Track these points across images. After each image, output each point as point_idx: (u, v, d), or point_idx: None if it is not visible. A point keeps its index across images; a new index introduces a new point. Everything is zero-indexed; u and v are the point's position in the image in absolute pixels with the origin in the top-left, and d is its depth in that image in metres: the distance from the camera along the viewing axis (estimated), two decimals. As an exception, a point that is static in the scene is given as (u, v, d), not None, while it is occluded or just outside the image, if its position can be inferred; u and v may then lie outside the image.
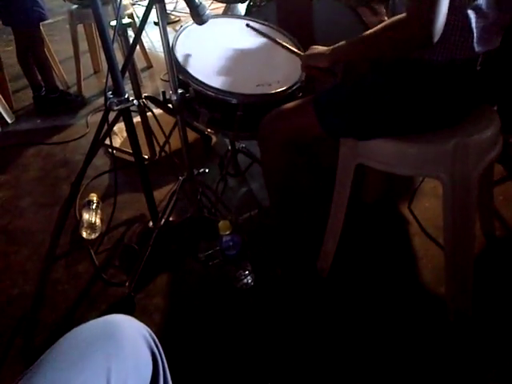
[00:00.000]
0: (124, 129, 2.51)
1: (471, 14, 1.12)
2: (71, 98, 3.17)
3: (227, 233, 1.53)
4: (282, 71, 1.66)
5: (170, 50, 1.37)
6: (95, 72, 3.72)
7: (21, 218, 2.11)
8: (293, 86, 1.59)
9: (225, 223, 1.53)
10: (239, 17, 1.98)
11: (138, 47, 2.12)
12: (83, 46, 3.43)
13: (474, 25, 1.13)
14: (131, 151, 2.01)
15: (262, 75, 1.63)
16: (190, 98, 1.52)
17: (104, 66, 3.75)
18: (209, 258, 1.65)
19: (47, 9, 2.88)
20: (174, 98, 1.44)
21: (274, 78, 1.62)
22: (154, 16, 1.45)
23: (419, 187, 2.02)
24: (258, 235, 1.72)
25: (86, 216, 1.96)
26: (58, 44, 4.01)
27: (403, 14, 1.08)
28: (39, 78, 3.05)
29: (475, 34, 1.14)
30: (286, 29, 1.85)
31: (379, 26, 1.15)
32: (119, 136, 2.60)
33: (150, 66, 3.68)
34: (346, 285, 1.60)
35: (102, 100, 3.21)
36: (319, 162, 1.80)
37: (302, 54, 1.50)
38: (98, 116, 2.95)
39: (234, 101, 1.53)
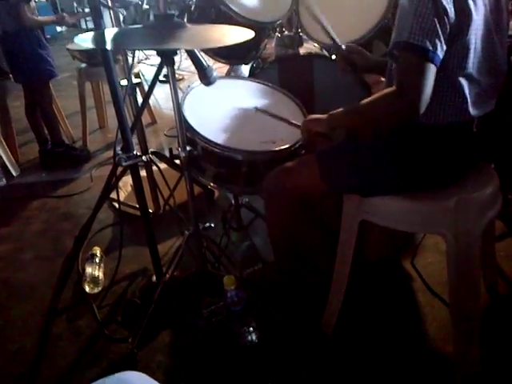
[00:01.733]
0: (128, 183, 2.58)
1: (463, 81, 1.19)
2: (76, 153, 3.24)
3: (232, 288, 1.53)
4: (284, 129, 1.71)
5: (179, 110, 1.42)
6: (100, 127, 3.82)
7: (23, 271, 2.11)
8: (295, 143, 1.64)
9: (230, 278, 1.53)
10: (243, 78, 2.07)
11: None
12: (89, 102, 3.55)
13: (467, 91, 1.20)
14: (136, 205, 2.04)
15: (266, 133, 1.69)
16: (198, 154, 1.56)
17: (109, 121, 3.86)
18: (212, 315, 1.64)
19: (56, 66, 3.01)
20: (183, 154, 1.49)
21: (277, 135, 1.67)
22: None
23: (421, 243, 2.04)
24: (263, 291, 1.71)
25: (89, 270, 1.95)
26: (64, 99, 4.14)
27: (393, 88, 1.15)
28: (46, 132, 3.14)
29: (469, 100, 1.21)
30: (288, 89, 1.93)
31: (370, 98, 1.23)
32: (123, 190, 2.64)
33: (154, 122, 3.79)
34: (351, 342, 1.58)
35: (106, 154, 3.28)
36: (324, 218, 1.82)
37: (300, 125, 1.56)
38: (103, 170, 3.01)
39: (239, 157, 1.58)
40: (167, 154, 2.12)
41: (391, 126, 1.27)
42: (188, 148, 1.51)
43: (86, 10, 10.45)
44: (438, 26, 1.09)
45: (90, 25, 10.70)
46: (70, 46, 3.16)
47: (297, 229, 1.53)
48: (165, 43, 1.13)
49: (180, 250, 1.77)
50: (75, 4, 10.48)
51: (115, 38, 1.19)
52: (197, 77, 1.44)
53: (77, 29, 10.63)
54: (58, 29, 9.93)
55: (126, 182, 2.54)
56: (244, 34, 1.20)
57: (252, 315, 1.57)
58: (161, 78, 1.48)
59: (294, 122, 1.61)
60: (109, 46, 1.12)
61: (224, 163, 1.60)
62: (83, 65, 3.29)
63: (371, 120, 1.27)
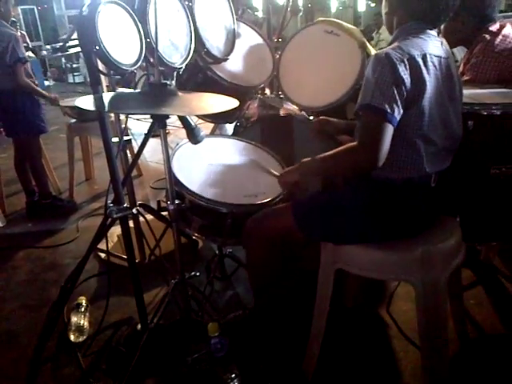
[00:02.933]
0: (114, 233, 2.65)
1: (420, 141, 1.36)
2: (63, 204, 3.32)
3: (216, 334, 1.59)
4: (266, 184, 1.84)
5: (169, 166, 1.54)
6: (87, 179, 3.92)
7: (7, 320, 2.13)
8: (277, 197, 1.77)
9: (214, 325, 1.60)
10: (228, 136, 2.22)
11: (129, 157, 2.33)
12: (77, 154, 3.66)
13: (422, 151, 1.37)
14: (122, 255, 2.12)
15: (249, 187, 1.82)
16: (185, 207, 1.67)
17: (96, 173, 3.97)
18: (196, 362, 1.68)
19: (47, 122, 3.14)
20: (171, 207, 1.59)
21: (259, 189, 1.80)
22: (144, 129, 1.63)
23: (396, 291, 2.14)
24: (244, 337, 1.78)
25: (74, 319, 1.99)
26: (52, 152, 4.23)
27: (355, 143, 1.33)
28: (33, 183, 3.22)
29: (425, 158, 1.37)
30: (270, 147, 2.09)
31: (336, 150, 1.40)
32: (109, 240, 2.70)
33: (140, 175, 3.91)
34: (330, 388, 1.65)
35: (92, 206, 3.36)
36: (303, 265, 1.92)
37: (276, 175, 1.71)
38: (89, 221, 3.09)
39: (224, 210, 1.69)
40: (153, 205, 2.23)
41: (353, 175, 1.44)
42: (176, 201, 1.61)
43: (74, 65, 10.84)
44: (395, 92, 1.27)
45: (77, 79, 11.03)
46: (61, 103, 3.31)
47: (276, 274, 1.64)
48: (159, 109, 1.26)
49: (167, 298, 1.83)
50: (63, 60, 10.83)
51: (112, 102, 1.32)
52: (183, 131, 1.56)
53: (64, 82, 10.95)
54: (46, 83, 10.20)
55: (113, 232, 2.62)
56: (230, 103, 1.35)
57: (235, 361, 1.63)
58: (146, 132, 1.59)
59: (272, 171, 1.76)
60: (107, 109, 1.24)
61: (209, 215, 1.72)
62: (73, 120, 3.43)
63: (335, 169, 1.45)
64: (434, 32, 1.40)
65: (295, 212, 1.53)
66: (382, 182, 1.41)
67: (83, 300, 2.13)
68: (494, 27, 2.05)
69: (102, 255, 2.59)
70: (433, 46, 1.36)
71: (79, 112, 3.27)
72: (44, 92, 3.12)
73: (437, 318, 1.46)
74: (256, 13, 3.41)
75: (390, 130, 1.28)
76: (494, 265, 2.32)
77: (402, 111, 1.30)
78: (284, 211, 1.56)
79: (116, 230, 2.57)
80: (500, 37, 2.00)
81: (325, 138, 2.15)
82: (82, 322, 1.98)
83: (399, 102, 1.28)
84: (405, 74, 1.28)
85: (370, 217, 1.43)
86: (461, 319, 1.83)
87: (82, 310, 2.06)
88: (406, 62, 1.28)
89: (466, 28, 2.08)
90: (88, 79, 1.43)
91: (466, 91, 1.58)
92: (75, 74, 11.04)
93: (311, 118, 2.28)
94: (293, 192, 1.66)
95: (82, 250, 2.57)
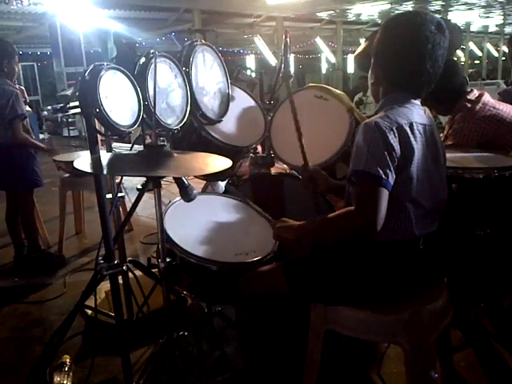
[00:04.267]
0: (101, 289, 2.62)
1: (410, 206, 1.40)
2: (51, 258, 3.28)
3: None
4: (257, 242, 1.87)
5: (162, 225, 1.57)
6: (77, 233, 3.91)
7: (-13, 380, 2.06)
8: (267, 255, 1.79)
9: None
10: (220, 194, 2.27)
11: (121, 211, 2.35)
12: (68, 207, 3.67)
13: (412, 214, 1.41)
14: (109, 312, 2.09)
15: (240, 245, 1.84)
16: (176, 265, 1.68)
17: (86, 227, 3.96)
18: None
19: (42, 176, 3.17)
20: (162, 265, 1.60)
21: (250, 247, 1.82)
22: (136, 183, 1.66)
23: (387, 353, 2.11)
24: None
25: (57, 379, 1.93)
26: (43, 205, 4.24)
27: (352, 208, 1.35)
28: (23, 236, 3.20)
29: (414, 222, 1.41)
30: (261, 205, 2.13)
31: (334, 214, 1.43)
32: (97, 296, 2.67)
33: (130, 229, 3.91)
34: None
35: (81, 260, 3.34)
36: (294, 324, 1.91)
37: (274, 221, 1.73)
38: (77, 276, 3.06)
39: (214, 268, 1.70)
40: (143, 260, 2.23)
41: (350, 238, 1.45)
42: (168, 259, 1.62)
43: (70, 119, 11.04)
44: (388, 158, 1.32)
45: (72, 133, 11.20)
46: (56, 158, 3.36)
47: (266, 331, 1.62)
48: (155, 171, 1.31)
49: (153, 359, 1.79)
50: (59, 115, 11.06)
51: (110, 164, 1.37)
52: (175, 186, 1.60)
53: (59, 135, 11.11)
54: (41, 136, 10.31)
55: (100, 288, 2.59)
56: (223, 163, 1.40)
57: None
58: (138, 186, 1.63)
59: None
60: (105, 172, 1.28)
61: (199, 273, 1.72)
62: (66, 174, 3.46)
63: (334, 233, 1.46)
64: (417, 101, 1.48)
65: (286, 272, 1.54)
66: (372, 244, 1.44)
67: (67, 359, 2.07)
68: (472, 95, 2.17)
69: (89, 312, 2.55)
70: (417, 114, 1.44)
71: (73, 167, 3.31)
72: (41, 144, 3.18)
73: (426, 379, 1.45)
74: (250, 72, 3.57)
75: (386, 195, 1.32)
76: (484, 326, 2.32)
77: (394, 176, 1.34)
78: (275, 271, 1.58)
79: (104, 286, 2.55)
80: (480, 104, 2.11)
81: (315, 197, 2.21)
82: (65, 383, 1.92)
83: (392, 168, 1.33)
84: (394, 141, 1.33)
85: (359, 278, 1.45)
86: (451, 382, 1.80)
87: (66, 369, 2.00)
88: (395, 131, 1.34)
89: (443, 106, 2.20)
90: (83, 133, 1.49)
91: (449, 155, 1.65)
92: (70, 128, 11.21)
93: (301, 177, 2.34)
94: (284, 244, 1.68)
95: (69, 306, 2.56)
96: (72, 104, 1.55)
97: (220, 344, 2.18)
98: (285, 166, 2.48)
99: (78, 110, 1.55)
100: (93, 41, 8.03)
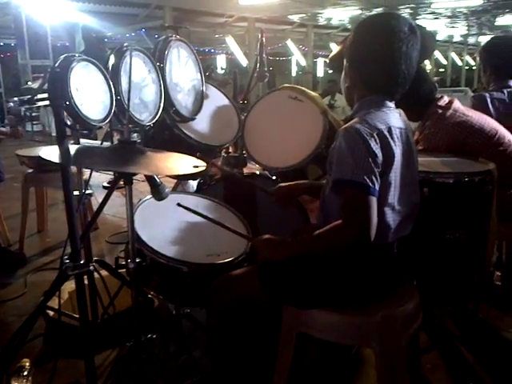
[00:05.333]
0: (65, 289, 2.53)
1: (388, 210, 1.40)
2: (11, 256, 3.15)
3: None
4: (229, 242, 1.83)
5: (132, 224, 1.51)
6: (39, 231, 3.77)
7: None
8: (239, 256, 1.76)
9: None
10: (191, 193, 2.23)
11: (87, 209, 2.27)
12: (30, 204, 3.53)
13: (389, 219, 1.41)
14: (73, 314, 2.01)
15: (212, 246, 1.80)
16: (145, 265, 1.63)
17: (49, 225, 3.83)
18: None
19: (4, 171, 3.05)
20: (132, 265, 1.55)
21: (222, 248, 1.79)
22: (103, 180, 1.61)
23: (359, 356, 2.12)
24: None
25: (15, 384, 1.84)
26: (4, 201, 4.08)
27: (339, 222, 1.33)
28: (-18, 234, 3.07)
29: (390, 226, 1.42)
30: (233, 205, 2.10)
31: (322, 231, 1.38)
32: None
33: (96, 228, 3.80)
34: None
35: (43, 259, 3.22)
36: (266, 328, 1.89)
37: (251, 238, 1.70)
38: (37, 276, 2.95)
39: (185, 269, 1.66)
40: (108, 260, 2.16)
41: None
42: (137, 259, 1.57)
43: (34, 114, 10.69)
44: (372, 166, 1.31)
45: (36, 128, 10.85)
46: (19, 152, 3.23)
47: (237, 338, 1.59)
48: (126, 167, 1.26)
49: (120, 363, 1.74)
50: (23, 108, 10.68)
51: (79, 156, 1.31)
52: (143, 184, 1.55)
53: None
54: (3, 129, 9.96)
55: (63, 288, 2.49)
56: (197, 164, 1.37)
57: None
58: (104, 184, 1.58)
59: (239, 232, 1.74)
60: (74, 164, 1.23)
61: (169, 274, 1.68)
62: (30, 170, 3.33)
63: (325, 249, 1.40)
64: (392, 104, 1.48)
65: (261, 275, 1.51)
66: (348, 249, 1.43)
67: (26, 363, 1.98)
68: (442, 102, 2.20)
69: (51, 313, 2.45)
70: (394, 118, 1.43)
71: (37, 162, 3.20)
72: (3, 129, 3.05)
73: (396, 382, 1.45)
74: (222, 72, 3.55)
75: (375, 203, 1.31)
76: (449, 328, 2.36)
77: (379, 181, 1.33)
78: (249, 274, 1.55)
79: (67, 286, 2.46)
80: (451, 110, 2.15)
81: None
82: (24, 387, 1.84)
83: (377, 174, 1.32)
84: (376, 148, 1.32)
85: (333, 282, 1.45)
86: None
87: (25, 373, 1.91)
88: (376, 137, 1.33)
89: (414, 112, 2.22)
90: (47, 128, 1.42)
91: (420, 159, 1.67)
92: (34, 122, 10.85)
93: (273, 177, 2.33)
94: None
95: (29, 307, 2.46)
96: (40, 96, 1.48)
97: (188, 347, 2.14)
98: (257, 166, 2.47)
99: (47, 103, 1.48)
100: (60, 34, 7.81)
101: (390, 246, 1.46)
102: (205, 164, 1.39)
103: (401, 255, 1.51)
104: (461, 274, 1.86)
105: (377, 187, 1.31)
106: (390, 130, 1.38)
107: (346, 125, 1.39)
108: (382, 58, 1.40)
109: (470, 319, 2.35)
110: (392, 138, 1.37)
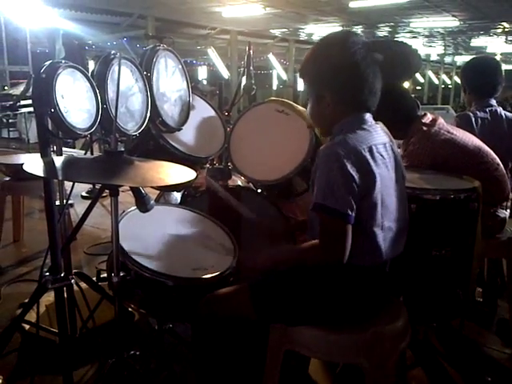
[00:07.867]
0: (41, 302, 2.44)
1: (378, 231, 1.39)
2: (-15, 268, 3.04)
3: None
4: (215, 256, 1.80)
5: (117, 236, 1.47)
6: (15, 241, 3.64)
7: None
8: (225, 271, 1.72)
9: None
10: (176, 205, 2.18)
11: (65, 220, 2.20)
12: (6, 213, 3.42)
13: (380, 240, 1.40)
14: (52, 328, 1.94)
15: (197, 259, 1.76)
16: (129, 279, 1.58)
17: (24, 235, 3.71)
18: None
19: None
20: (116, 279, 1.50)
21: (208, 262, 1.75)
22: (81, 190, 1.57)
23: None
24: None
25: (-13, 402, 1.76)
26: (-23, 210, 3.96)
27: (317, 242, 1.38)
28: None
29: (382, 246, 1.41)
30: (217, 217, 2.07)
31: (302, 246, 1.49)
32: (35, 311, 2.48)
33: (74, 239, 3.70)
34: None
35: (18, 270, 3.10)
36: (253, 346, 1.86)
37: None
38: (13, 288, 2.84)
39: (170, 283, 1.61)
40: (86, 271, 2.09)
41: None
42: (121, 273, 1.52)
43: (11, 120, 10.46)
44: (346, 191, 1.30)
45: (12, 134, 10.60)
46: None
47: (223, 357, 1.55)
48: (112, 179, 1.22)
49: (100, 382, 1.67)
50: (7, 113, 10.42)
51: (64, 169, 1.26)
52: (127, 195, 1.51)
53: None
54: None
55: (40, 301, 2.41)
56: (185, 175, 1.33)
57: None
58: (83, 193, 1.53)
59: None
60: (59, 177, 1.18)
61: (154, 288, 1.63)
62: (6, 178, 3.23)
63: (301, 263, 1.47)
64: (370, 117, 1.45)
65: (252, 294, 1.48)
66: (339, 268, 1.40)
67: (0, 379, 1.90)
68: (426, 119, 2.22)
69: (27, 327, 2.36)
70: (376, 135, 1.41)
71: (15, 170, 3.11)
72: None
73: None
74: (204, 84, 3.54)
75: (349, 229, 1.32)
76: (433, 344, 2.36)
77: (355, 207, 1.32)
78: (240, 293, 1.51)
79: (44, 299, 2.37)
80: (435, 128, 2.17)
81: (272, 212, 2.19)
82: (-4, 406, 1.75)
83: (352, 201, 1.31)
84: (353, 170, 1.30)
85: (323, 300, 1.43)
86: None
87: (-2, 391, 1.83)
88: (353, 158, 1.31)
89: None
90: (23, 135, 1.38)
91: (407, 175, 1.67)
92: (11, 129, 10.61)
93: (259, 190, 2.31)
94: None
95: (4, 320, 2.36)
96: (23, 102, 1.43)
97: (170, 362, 2.08)
98: (242, 178, 2.45)
99: (31, 109, 1.44)
100: (40, 39, 7.69)
101: (382, 266, 1.46)
102: (195, 173, 1.36)
103: (391, 273, 1.50)
104: (446, 290, 1.86)
105: (351, 214, 1.31)
106: (370, 149, 1.36)
107: (326, 145, 1.38)
108: (347, 66, 1.37)
109: (454, 335, 2.35)
110: (373, 158, 1.35)
